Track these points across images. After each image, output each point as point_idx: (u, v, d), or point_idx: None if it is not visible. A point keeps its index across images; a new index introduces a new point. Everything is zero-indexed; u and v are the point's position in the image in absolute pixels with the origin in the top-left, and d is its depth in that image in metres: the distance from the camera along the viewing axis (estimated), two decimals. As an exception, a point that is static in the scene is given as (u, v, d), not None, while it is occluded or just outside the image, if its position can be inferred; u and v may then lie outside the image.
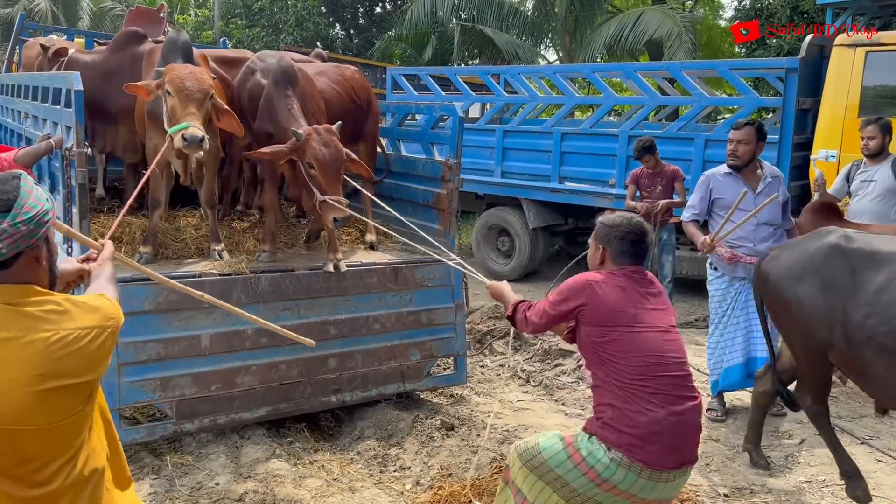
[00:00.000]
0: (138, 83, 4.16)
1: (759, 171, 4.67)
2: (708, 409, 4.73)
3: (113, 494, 1.85)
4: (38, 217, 1.67)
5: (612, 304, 2.65)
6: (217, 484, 3.83)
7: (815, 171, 5.75)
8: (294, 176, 4.32)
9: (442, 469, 4.02)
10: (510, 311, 3.00)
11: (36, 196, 1.70)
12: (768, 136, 7.10)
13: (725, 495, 3.72)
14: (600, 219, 2.93)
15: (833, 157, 5.89)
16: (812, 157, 6.06)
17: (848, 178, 5.40)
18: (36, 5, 24.79)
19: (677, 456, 2.52)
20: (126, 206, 3.33)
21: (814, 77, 6.71)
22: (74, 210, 4.06)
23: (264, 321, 2.94)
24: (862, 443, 4.32)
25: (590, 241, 2.95)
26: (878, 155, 5.25)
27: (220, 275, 4.21)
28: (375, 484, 3.92)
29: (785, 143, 6.71)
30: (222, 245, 4.53)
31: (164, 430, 4.08)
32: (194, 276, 4.16)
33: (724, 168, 4.73)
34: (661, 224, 6.34)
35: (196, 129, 3.78)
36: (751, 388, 4.39)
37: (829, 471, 3.98)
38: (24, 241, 1.65)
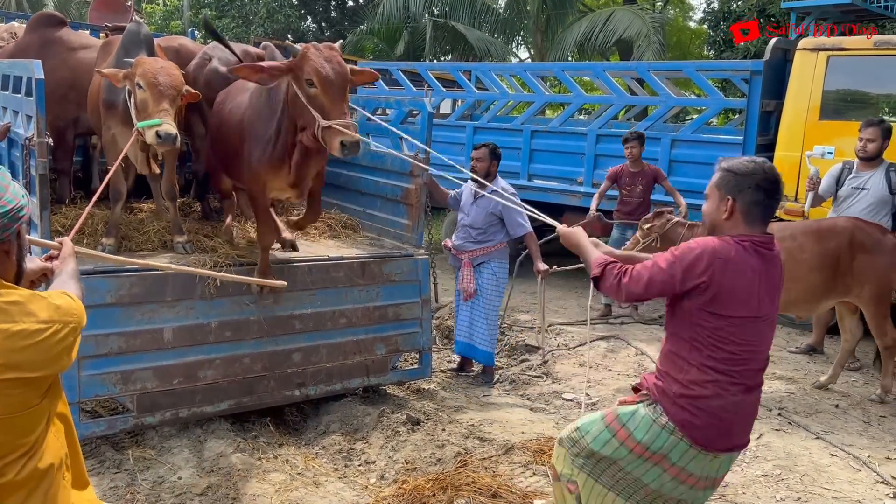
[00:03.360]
0: (106, 70, 4.09)
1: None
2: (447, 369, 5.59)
3: (70, 494, 1.84)
4: (13, 212, 1.68)
5: (739, 291, 2.37)
6: (180, 478, 3.79)
7: (809, 169, 5.67)
8: (286, 102, 3.78)
9: (407, 463, 4.03)
10: (597, 271, 2.57)
11: (13, 191, 1.71)
12: (733, 137, 7.28)
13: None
14: (723, 165, 2.54)
15: (831, 153, 5.79)
16: (807, 153, 5.97)
17: (837, 181, 5.36)
18: (-1, -9, 24.16)
19: (730, 439, 2.46)
20: (93, 201, 3.28)
21: (778, 80, 6.83)
22: (35, 200, 3.98)
23: (233, 276, 2.93)
24: (817, 437, 4.42)
25: (708, 191, 2.58)
26: (873, 159, 5.21)
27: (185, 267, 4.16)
28: (340, 478, 3.91)
29: (749, 144, 6.83)
30: (186, 237, 4.48)
31: (124, 424, 4.03)
32: (158, 270, 4.11)
33: None
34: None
35: (170, 127, 3.79)
36: None
37: (784, 464, 4.07)
38: (4, 235, 1.67)
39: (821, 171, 5.56)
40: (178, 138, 3.83)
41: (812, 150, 6.18)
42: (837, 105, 6.52)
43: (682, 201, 6.45)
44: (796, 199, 6.56)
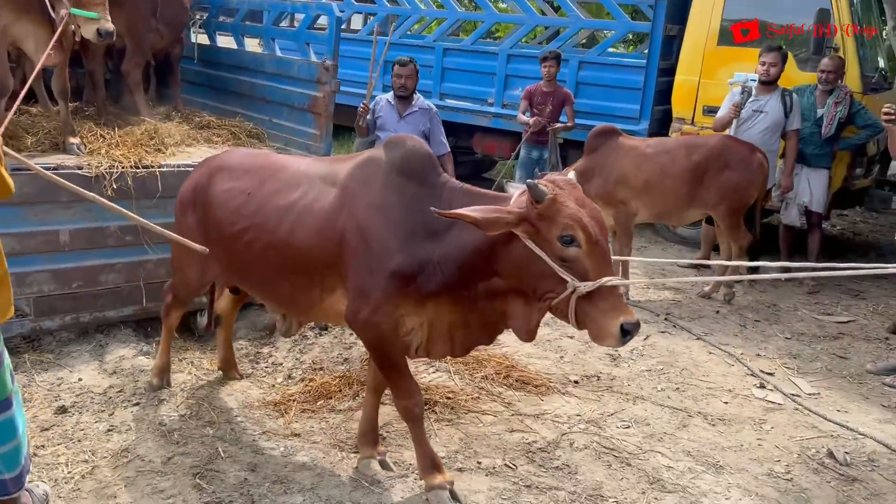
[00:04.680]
0: None
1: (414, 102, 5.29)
2: None
3: None
4: None
5: None
6: (80, 379, 3.76)
7: (735, 96, 5.72)
8: (509, 258, 2.55)
9: (314, 364, 4.13)
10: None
11: None
12: (637, 61, 7.47)
13: (575, 382, 4.06)
14: None
15: (753, 80, 5.82)
16: (730, 80, 6.05)
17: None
18: None
19: None
20: (16, 105, 3.12)
21: (682, 5, 7.02)
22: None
23: (161, 230, 2.86)
24: (697, 338, 4.80)
25: None
26: (774, 82, 5.55)
27: (78, 169, 4.01)
28: (246, 377, 3.97)
29: (651, 67, 7.04)
30: (79, 139, 4.29)
31: (21, 328, 3.93)
32: (50, 169, 3.93)
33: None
34: (555, 149, 6.59)
35: (109, 23, 3.69)
36: None
37: (667, 361, 4.42)
38: None
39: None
40: (115, 34, 3.74)
41: (733, 77, 6.18)
42: (735, 32, 6.78)
43: (571, 124, 6.67)
44: (693, 123, 6.87)
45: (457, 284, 2.66)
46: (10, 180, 2.13)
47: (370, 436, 3.17)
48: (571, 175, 2.67)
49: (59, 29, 3.68)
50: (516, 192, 2.61)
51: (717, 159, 5.30)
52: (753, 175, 5.31)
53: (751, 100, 5.65)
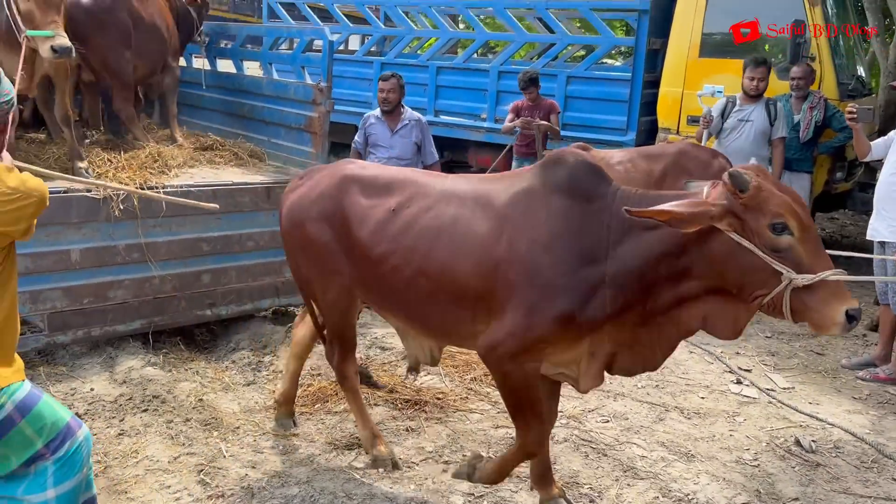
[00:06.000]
0: None
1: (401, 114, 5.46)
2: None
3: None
4: (12, 99, 1.99)
5: None
6: (92, 389, 4.00)
7: (702, 108, 5.94)
8: (709, 256, 2.39)
9: (312, 370, 4.35)
10: None
11: (7, 82, 1.98)
12: (622, 74, 7.71)
13: (560, 381, 4.27)
14: None
15: (720, 92, 6.06)
16: (698, 93, 6.21)
17: (722, 115, 5.80)
18: None
19: None
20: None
21: (664, 19, 7.27)
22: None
23: (169, 197, 3.14)
24: (680, 339, 5.00)
25: None
26: (761, 96, 5.73)
27: (87, 192, 4.26)
28: (248, 385, 4.20)
29: (636, 80, 7.28)
30: (86, 162, 4.55)
31: (36, 343, 4.17)
32: (61, 192, 4.20)
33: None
34: (540, 155, 6.82)
35: (64, 39, 3.72)
36: None
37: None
38: (3, 121, 1.98)
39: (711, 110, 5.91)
40: (73, 50, 3.79)
41: (702, 89, 6.44)
42: (715, 44, 7.02)
43: (557, 128, 6.85)
44: (678, 132, 7.10)
45: (631, 302, 2.46)
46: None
47: (547, 476, 3.00)
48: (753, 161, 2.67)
49: (22, 53, 3.79)
50: (705, 186, 2.46)
51: (676, 166, 5.42)
52: (714, 179, 5.48)
53: (735, 109, 5.84)
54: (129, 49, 5.03)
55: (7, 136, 2.09)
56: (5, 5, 3.90)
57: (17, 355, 2.21)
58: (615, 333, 2.52)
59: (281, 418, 3.69)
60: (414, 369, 3.64)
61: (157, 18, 5.32)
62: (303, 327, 3.67)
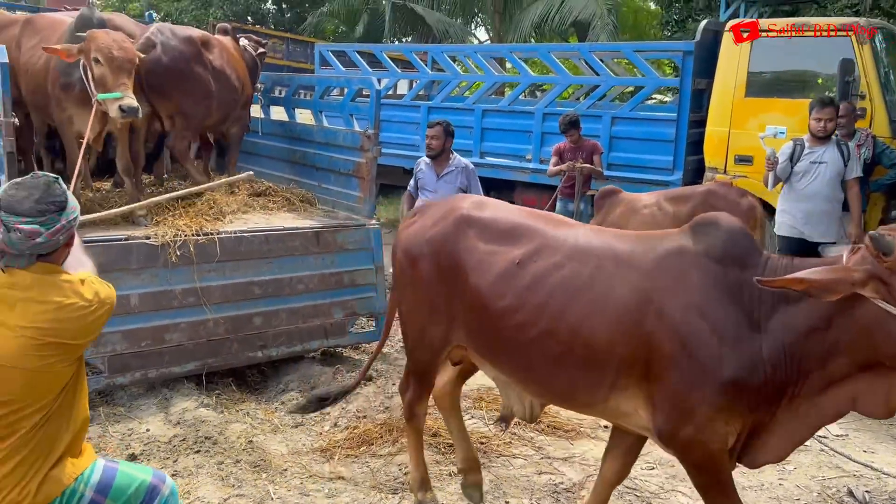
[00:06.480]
0: (58, 46, 4.23)
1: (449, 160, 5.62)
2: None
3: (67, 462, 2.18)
4: (78, 214, 2.12)
5: None
6: (147, 430, 4.14)
7: (766, 150, 5.66)
8: (855, 327, 2.25)
9: (358, 412, 4.43)
10: None
11: (72, 197, 2.11)
12: (668, 114, 7.73)
13: (605, 426, 4.24)
14: None
15: (782, 133, 5.95)
16: (760, 134, 6.03)
17: (792, 159, 5.49)
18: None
19: None
20: (76, 178, 3.56)
21: (709, 59, 7.28)
22: (2, 178, 4.26)
23: (206, 185, 3.25)
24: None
25: None
26: (830, 137, 5.44)
27: (146, 239, 4.47)
28: (297, 426, 4.30)
29: (682, 120, 7.30)
30: (145, 210, 4.77)
31: (97, 384, 4.35)
32: (121, 240, 4.42)
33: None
34: (581, 195, 6.88)
35: (132, 100, 3.99)
36: None
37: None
38: (70, 234, 2.09)
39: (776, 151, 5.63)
40: (140, 110, 4.07)
41: (765, 130, 6.27)
42: (762, 84, 7.00)
43: (600, 169, 6.92)
44: (725, 172, 7.06)
45: (783, 382, 2.33)
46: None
47: None
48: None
49: (93, 114, 4.10)
50: (844, 251, 2.33)
51: (704, 206, 5.36)
52: (744, 218, 5.40)
53: (806, 152, 5.50)
54: (206, 99, 5.28)
55: (72, 248, 2.21)
56: (80, 69, 4.20)
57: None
58: (759, 415, 2.38)
59: (468, 488, 3.38)
60: (505, 421, 3.52)
61: (229, 69, 5.57)
62: (440, 377, 3.41)
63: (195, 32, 5.37)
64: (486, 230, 2.88)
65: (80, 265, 2.25)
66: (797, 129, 6.43)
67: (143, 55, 4.43)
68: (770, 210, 6.59)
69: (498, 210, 3.00)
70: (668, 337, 2.40)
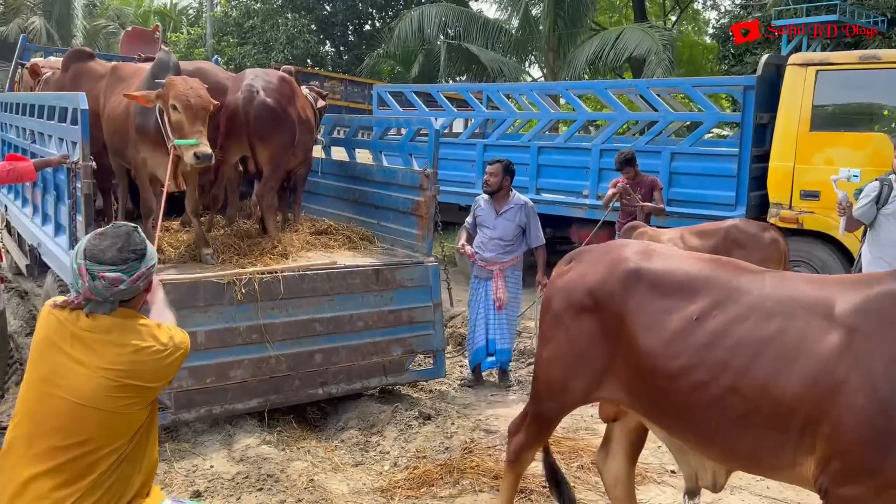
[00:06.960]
0: (137, 93, 4.43)
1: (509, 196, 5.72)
2: (461, 380, 5.93)
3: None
4: (155, 261, 2.21)
5: None
6: (211, 466, 4.19)
7: (838, 194, 5.19)
8: None
9: (418, 452, 4.40)
10: None
11: (150, 245, 2.20)
12: (729, 149, 7.61)
13: (672, 472, 4.11)
14: None
15: (856, 176, 5.75)
16: (833, 177, 5.61)
17: (877, 201, 4.91)
18: (31, 23, 25.22)
19: None
20: (159, 223, 3.70)
21: (771, 93, 7.16)
22: (80, 219, 4.45)
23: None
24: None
25: None
26: None
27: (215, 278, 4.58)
28: (357, 465, 4.29)
29: (744, 155, 7.16)
30: (211, 249, 4.90)
31: (163, 420, 4.42)
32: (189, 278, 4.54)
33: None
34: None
35: (206, 148, 4.15)
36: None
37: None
38: (149, 280, 2.18)
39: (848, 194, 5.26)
40: (213, 157, 4.22)
41: (838, 173, 5.96)
42: (827, 117, 6.84)
43: (662, 206, 6.87)
44: (791, 207, 6.88)
45: None
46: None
47: None
48: None
49: (171, 158, 4.27)
50: None
51: (727, 240, 5.41)
52: (767, 251, 5.37)
53: (895, 193, 4.93)
54: (292, 141, 5.41)
55: (155, 301, 2.31)
56: (157, 113, 4.38)
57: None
58: None
59: None
60: (694, 493, 3.23)
61: (306, 114, 5.74)
62: (613, 461, 3.21)
63: (285, 74, 5.52)
64: (658, 284, 2.68)
65: (160, 317, 2.32)
66: (864, 162, 6.29)
67: (216, 103, 4.56)
68: (843, 252, 6.42)
69: (668, 260, 2.78)
70: (862, 390, 2.18)
